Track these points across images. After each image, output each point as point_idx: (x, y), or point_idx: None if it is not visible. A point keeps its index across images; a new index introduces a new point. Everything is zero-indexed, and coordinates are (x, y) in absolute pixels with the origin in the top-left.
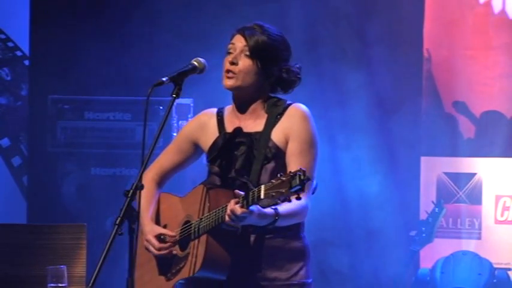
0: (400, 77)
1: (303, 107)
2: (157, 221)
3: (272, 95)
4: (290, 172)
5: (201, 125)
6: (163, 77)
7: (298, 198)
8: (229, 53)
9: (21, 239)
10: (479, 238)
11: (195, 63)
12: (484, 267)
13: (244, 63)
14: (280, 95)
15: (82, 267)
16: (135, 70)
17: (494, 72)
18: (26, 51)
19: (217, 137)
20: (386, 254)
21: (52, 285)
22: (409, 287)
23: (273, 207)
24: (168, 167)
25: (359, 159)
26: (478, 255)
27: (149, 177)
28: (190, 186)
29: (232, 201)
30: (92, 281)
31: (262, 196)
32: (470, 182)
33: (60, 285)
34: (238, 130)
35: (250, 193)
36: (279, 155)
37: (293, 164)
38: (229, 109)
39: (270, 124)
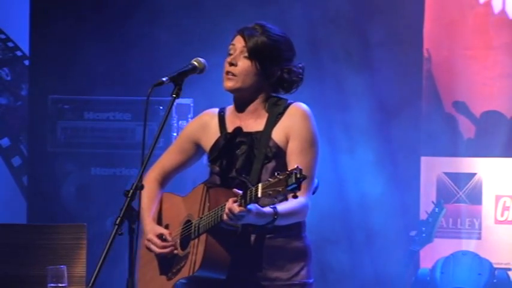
0: (400, 77)
1: (303, 106)
2: (159, 221)
3: (274, 94)
4: (287, 170)
5: (203, 125)
6: (163, 77)
7: (295, 197)
8: (230, 54)
9: (21, 239)
10: (479, 238)
11: (195, 63)
12: (484, 267)
13: (243, 64)
14: (282, 95)
15: (82, 267)
16: (135, 70)
17: (494, 72)
18: (26, 51)
19: (219, 137)
20: (387, 254)
21: (52, 285)
22: (409, 287)
23: (271, 206)
24: (170, 167)
25: (359, 159)
26: (478, 255)
27: (151, 177)
28: (191, 187)
29: (231, 200)
30: (92, 281)
31: (259, 194)
32: (470, 182)
33: (60, 285)
34: (238, 130)
35: (248, 192)
36: (279, 154)
37: (293, 163)
38: (230, 109)
39: (271, 123)
